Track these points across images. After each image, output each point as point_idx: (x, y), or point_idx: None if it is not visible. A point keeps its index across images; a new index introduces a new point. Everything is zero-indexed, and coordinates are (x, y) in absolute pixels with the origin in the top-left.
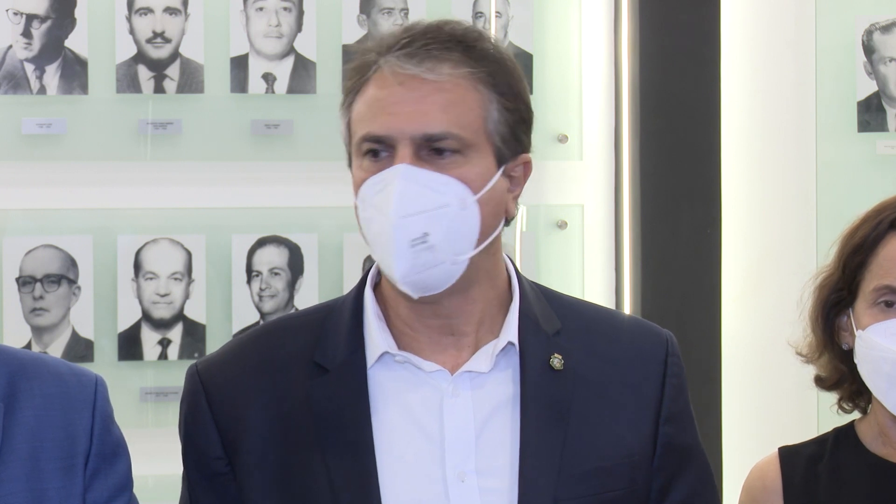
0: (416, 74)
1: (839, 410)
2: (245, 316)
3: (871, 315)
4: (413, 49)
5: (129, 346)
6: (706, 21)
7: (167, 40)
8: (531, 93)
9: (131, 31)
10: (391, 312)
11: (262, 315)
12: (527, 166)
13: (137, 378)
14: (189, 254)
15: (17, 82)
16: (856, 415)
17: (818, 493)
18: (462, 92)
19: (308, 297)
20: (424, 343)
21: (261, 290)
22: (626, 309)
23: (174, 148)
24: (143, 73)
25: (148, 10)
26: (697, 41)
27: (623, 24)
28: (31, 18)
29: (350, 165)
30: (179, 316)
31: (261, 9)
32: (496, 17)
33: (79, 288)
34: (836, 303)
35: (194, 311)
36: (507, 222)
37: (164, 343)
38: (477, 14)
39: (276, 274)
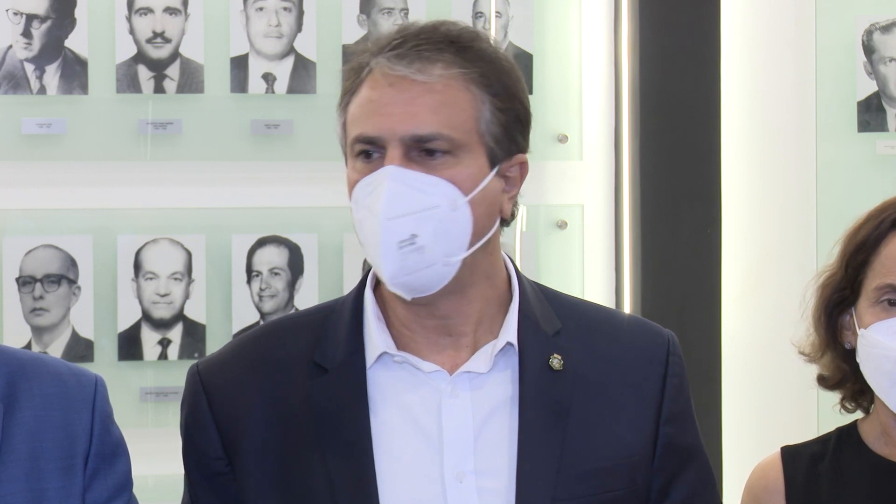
0: (406, 76)
1: (842, 410)
2: (245, 316)
3: (873, 314)
4: (404, 50)
5: (129, 346)
6: (706, 21)
7: (167, 40)
8: (531, 93)
9: (131, 31)
10: (390, 313)
11: (262, 315)
12: (523, 166)
13: (137, 378)
14: (189, 254)
15: (17, 82)
16: (858, 414)
17: (820, 492)
18: (453, 93)
19: (308, 297)
20: (423, 343)
21: (261, 290)
22: (626, 309)
23: (174, 148)
24: (143, 73)
25: (148, 10)
26: (697, 41)
27: (623, 24)
28: (31, 18)
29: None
30: (179, 316)
31: (261, 9)
32: (496, 17)
33: (79, 288)
34: (838, 302)
35: (194, 311)
36: (507, 223)
37: (164, 343)
38: (477, 14)
39: (276, 274)
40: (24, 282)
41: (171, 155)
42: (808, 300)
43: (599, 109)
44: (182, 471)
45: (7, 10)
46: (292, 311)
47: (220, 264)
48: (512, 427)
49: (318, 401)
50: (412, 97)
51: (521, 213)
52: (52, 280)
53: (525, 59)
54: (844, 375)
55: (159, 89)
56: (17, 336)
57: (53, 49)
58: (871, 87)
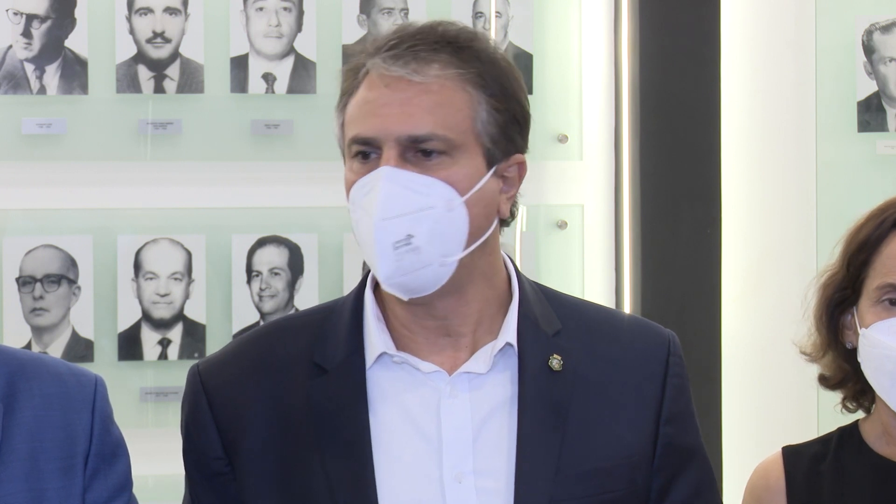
0: (402, 76)
1: (843, 410)
2: (245, 316)
3: (874, 313)
4: (400, 51)
5: (129, 346)
6: (706, 21)
7: (167, 40)
8: (531, 93)
9: (131, 31)
10: (390, 313)
11: (262, 315)
12: (521, 167)
13: (137, 378)
14: (189, 254)
15: (17, 82)
16: (859, 414)
17: (822, 492)
18: (449, 93)
19: (308, 297)
20: (422, 344)
21: (261, 290)
22: (627, 309)
23: (174, 148)
24: (143, 73)
25: (148, 10)
26: (697, 41)
27: (623, 24)
28: (31, 18)
29: None
30: (179, 316)
31: (261, 9)
32: (496, 17)
33: (79, 288)
34: (840, 301)
35: (194, 311)
36: (507, 223)
37: (164, 343)
38: (477, 14)
39: (276, 274)
40: (24, 282)
41: (171, 155)
42: (810, 300)
43: (599, 109)
44: (182, 471)
45: (7, 10)
46: (292, 311)
47: (220, 264)
48: (511, 427)
49: (318, 401)
50: (408, 98)
51: (521, 213)
52: (52, 280)
53: (525, 59)
54: (846, 375)
55: (159, 89)
56: (17, 336)
57: (53, 49)
58: (871, 87)
